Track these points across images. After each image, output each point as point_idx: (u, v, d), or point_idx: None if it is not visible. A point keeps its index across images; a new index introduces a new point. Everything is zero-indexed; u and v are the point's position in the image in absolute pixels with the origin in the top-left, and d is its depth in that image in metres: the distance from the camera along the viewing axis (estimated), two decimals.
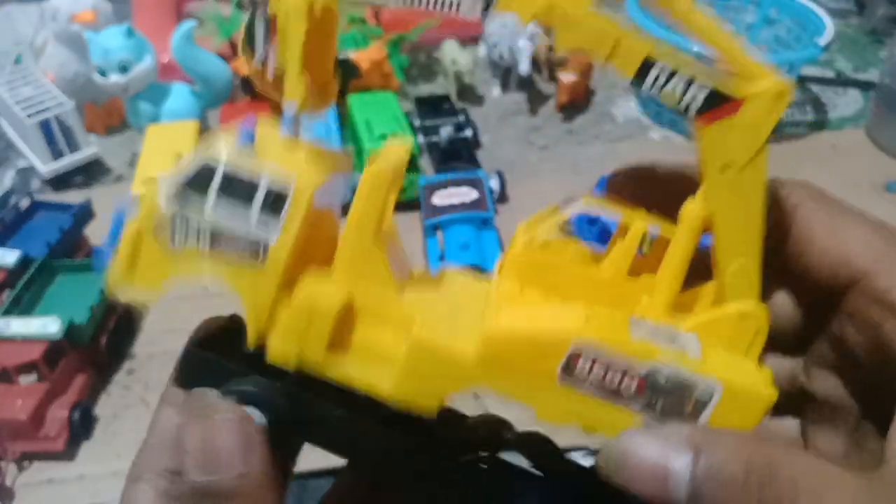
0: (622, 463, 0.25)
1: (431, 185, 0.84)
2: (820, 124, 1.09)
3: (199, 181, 0.28)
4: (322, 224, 0.30)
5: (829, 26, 0.99)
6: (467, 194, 0.83)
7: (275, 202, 0.27)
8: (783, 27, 1.09)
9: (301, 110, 0.29)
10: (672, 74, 0.26)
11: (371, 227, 0.29)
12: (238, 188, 0.28)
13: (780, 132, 1.06)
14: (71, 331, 0.66)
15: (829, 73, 1.21)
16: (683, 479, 0.24)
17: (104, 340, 0.70)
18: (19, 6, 1.32)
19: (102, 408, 0.68)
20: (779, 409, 0.27)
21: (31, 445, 0.63)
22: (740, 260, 0.28)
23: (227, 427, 0.26)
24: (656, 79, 0.26)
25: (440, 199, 0.82)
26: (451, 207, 0.81)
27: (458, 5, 0.28)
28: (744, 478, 0.23)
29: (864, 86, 1.18)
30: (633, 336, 0.27)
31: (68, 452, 0.64)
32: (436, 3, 0.29)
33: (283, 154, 0.29)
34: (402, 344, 0.28)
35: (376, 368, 0.28)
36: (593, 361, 0.27)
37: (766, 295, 0.29)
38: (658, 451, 0.24)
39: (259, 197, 0.27)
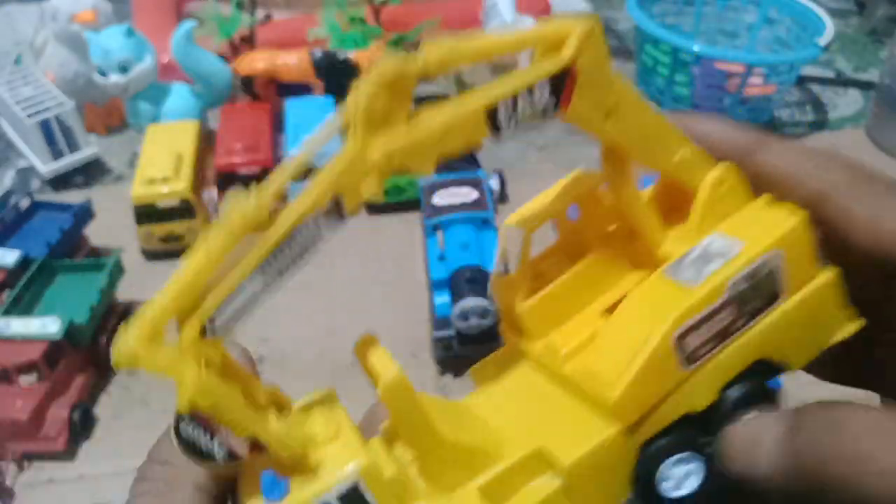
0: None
1: (431, 185, 0.84)
2: (820, 124, 1.09)
3: None
4: None
5: (829, 26, 0.99)
6: (467, 194, 0.82)
7: (356, 499, 0.25)
8: (783, 27, 1.09)
9: (306, 447, 0.26)
10: (514, 101, 0.26)
11: (428, 432, 0.26)
12: None
13: (781, 132, 1.06)
14: (71, 331, 0.66)
15: (829, 73, 1.21)
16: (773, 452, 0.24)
17: (104, 340, 0.70)
18: (19, 6, 1.32)
19: (102, 408, 0.68)
20: None
21: (31, 445, 0.63)
22: (678, 153, 0.28)
23: None
24: (507, 117, 0.26)
25: (440, 199, 0.82)
26: (451, 207, 0.81)
27: (320, 230, 0.25)
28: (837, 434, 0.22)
29: (864, 86, 1.18)
30: (689, 286, 0.27)
31: (68, 452, 0.64)
32: (302, 246, 0.26)
33: (314, 457, 0.26)
34: (545, 481, 0.27)
35: None
36: (696, 329, 0.26)
37: None
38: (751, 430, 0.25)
39: None
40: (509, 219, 0.31)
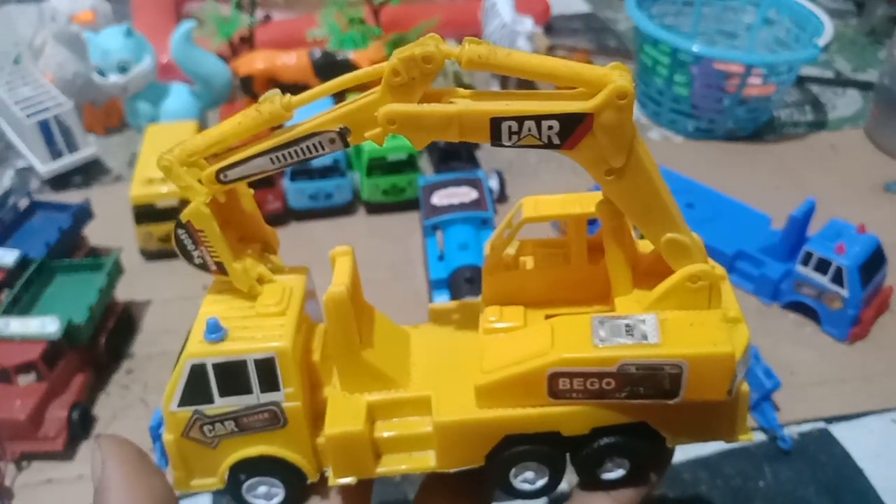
0: None
1: (431, 185, 0.84)
2: (819, 124, 1.09)
3: (197, 380, 0.31)
4: (311, 332, 0.36)
5: (829, 27, 0.99)
6: (467, 194, 0.82)
7: (267, 369, 0.31)
8: (783, 28, 1.09)
9: (251, 288, 0.34)
10: (521, 122, 0.28)
11: (349, 343, 0.33)
12: (232, 372, 0.31)
13: (781, 132, 1.06)
14: (70, 331, 0.66)
15: (829, 74, 1.21)
16: None
17: (103, 340, 0.70)
18: (19, 6, 1.32)
19: (102, 408, 0.68)
20: None
21: (30, 445, 0.63)
22: (666, 235, 0.31)
23: None
24: (511, 133, 0.28)
25: (440, 199, 0.82)
26: (451, 207, 0.81)
27: (323, 148, 0.31)
28: None
29: (864, 86, 1.18)
30: (595, 342, 0.30)
31: (68, 452, 0.64)
32: (305, 152, 0.31)
33: (254, 324, 0.33)
34: (425, 421, 0.33)
35: (416, 451, 0.33)
36: (570, 377, 0.31)
37: None
38: None
39: (252, 372, 0.31)
40: (528, 200, 0.36)
